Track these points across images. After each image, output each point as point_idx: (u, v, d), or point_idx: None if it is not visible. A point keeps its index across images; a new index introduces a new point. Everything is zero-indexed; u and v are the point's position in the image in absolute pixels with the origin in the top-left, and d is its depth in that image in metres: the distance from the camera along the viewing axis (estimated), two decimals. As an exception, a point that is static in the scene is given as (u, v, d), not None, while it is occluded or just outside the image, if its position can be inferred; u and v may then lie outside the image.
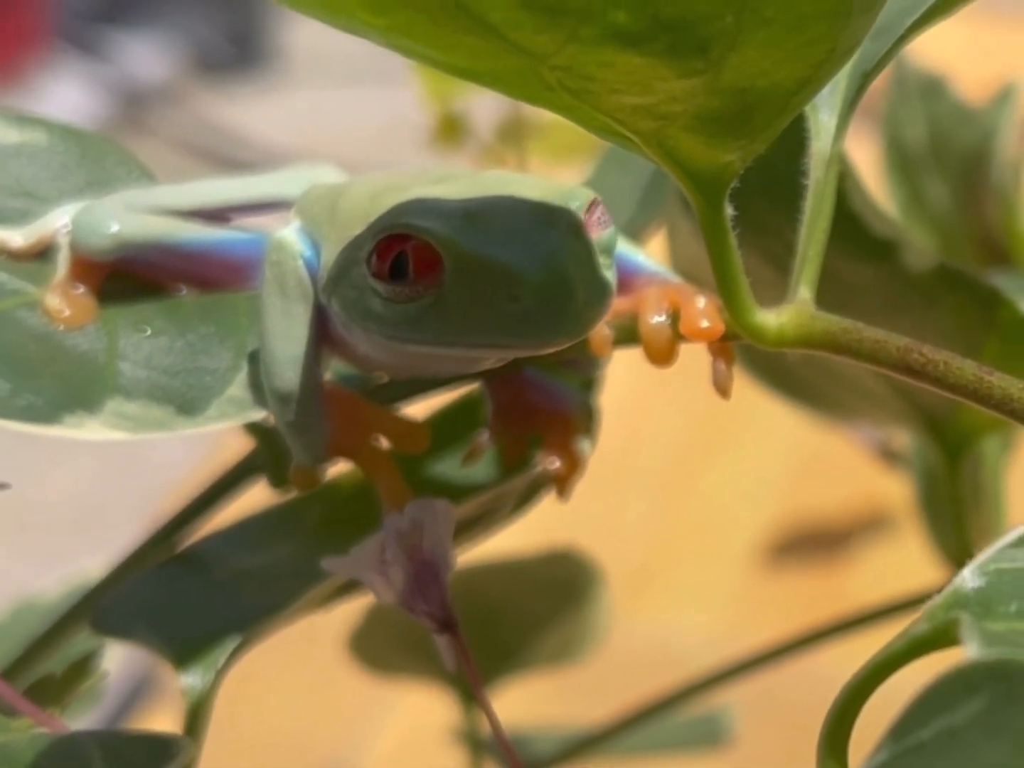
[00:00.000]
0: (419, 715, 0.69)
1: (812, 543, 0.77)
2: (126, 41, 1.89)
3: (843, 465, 0.71)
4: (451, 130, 0.46)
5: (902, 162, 0.47)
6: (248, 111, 1.84)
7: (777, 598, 0.75)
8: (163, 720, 0.72)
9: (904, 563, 0.62)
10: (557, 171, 0.47)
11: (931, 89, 0.46)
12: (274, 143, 1.75)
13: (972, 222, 0.45)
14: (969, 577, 0.21)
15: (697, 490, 0.82)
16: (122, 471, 1.25)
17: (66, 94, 1.81)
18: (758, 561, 0.77)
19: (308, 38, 1.86)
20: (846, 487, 0.80)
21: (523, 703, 0.46)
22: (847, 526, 0.78)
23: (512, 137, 0.46)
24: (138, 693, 0.74)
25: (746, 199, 0.25)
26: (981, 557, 0.21)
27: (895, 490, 0.60)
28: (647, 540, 0.79)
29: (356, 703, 0.72)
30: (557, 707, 0.59)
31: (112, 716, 0.71)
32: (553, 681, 0.49)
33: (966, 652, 0.19)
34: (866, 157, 0.49)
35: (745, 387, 0.37)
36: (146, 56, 1.88)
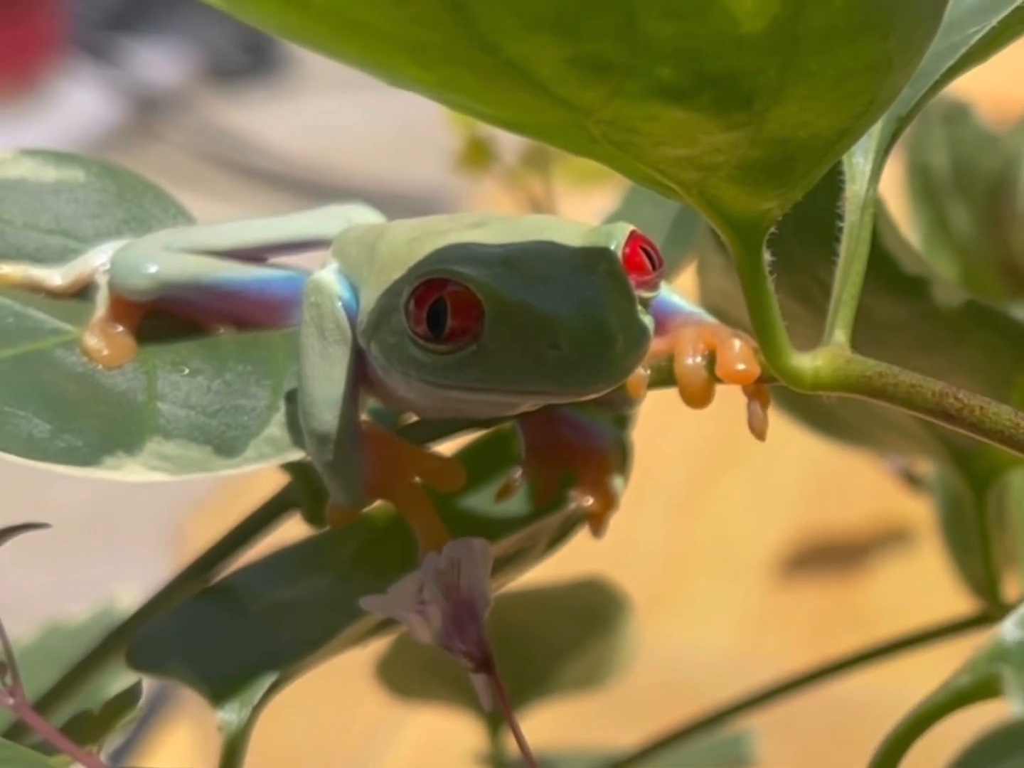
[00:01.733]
0: (436, 731, 0.69)
1: (830, 560, 0.77)
2: (140, 48, 1.89)
3: (860, 481, 0.71)
4: (478, 155, 0.46)
5: (926, 188, 0.47)
6: (261, 117, 1.84)
7: (795, 613, 0.75)
8: (180, 735, 0.72)
9: (923, 579, 0.62)
10: (582, 197, 0.47)
11: (954, 116, 0.46)
12: (287, 149, 1.76)
13: (996, 249, 0.45)
14: (1011, 629, 0.21)
15: (713, 508, 0.82)
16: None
17: (80, 100, 1.82)
18: (776, 578, 0.77)
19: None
20: (863, 504, 0.80)
21: (545, 726, 0.46)
22: (865, 542, 0.78)
23: (536, 162, 0.46)
24: (157, 705, 0.74)
25: (780, 239, 0.25)
26: (1022, 609, 0.21)
27: (913, 506, 0.60)
28: (664, 559, 0.79)
29: (372, 718, 0.72)
30: (577, 730, 0.59)
31: (131, 729, 0.71)
32: (573, 704, 0.49)
33: (1009, 707, 0.19)
34: (890, 178, 0.49)
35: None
36: (159, 63, 1.89)
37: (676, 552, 0.80)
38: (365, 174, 1.64)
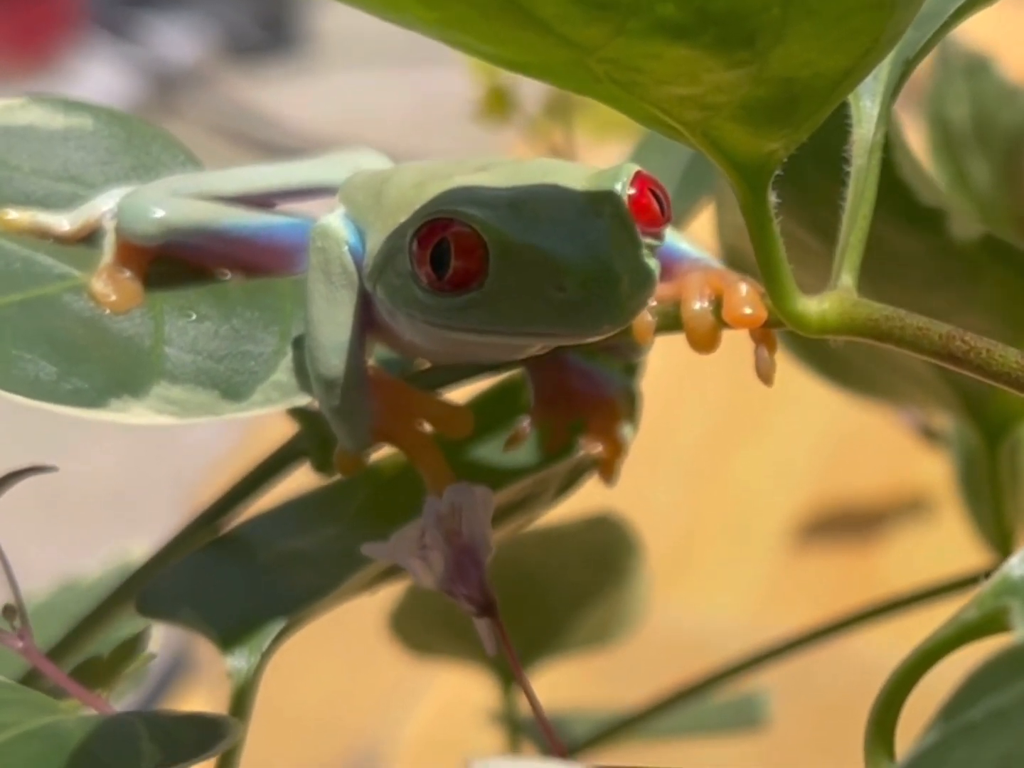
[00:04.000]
0: (453, 693, 0.69)
1: (846, 524, 0.77)
2: (158, 24, 1.89)
3: (877, 446, 0.71)
4: (499, 104, 0.46)
5: (946, 141, 0.47)
6: (279, 94, 1.84)
7: (810, 580, 0.75)
8: (198, 699, 0.72)
9: (937, 545, 0.62)
10: (603, 146, 0.47)
11: (975, 68, 0.46)
12: (305, 126, 1.76)
13: (1015, 201, 0.45)
14: (1017, 564, 0.21)
15: (729, 471, 0.82)
16: (153, 450, 1.26)
17: (99, 77, 1.82)
18: (791, 542, 0.77)
19: (339, 21, 1.86)
20: (880, 468, 0.80)
21: (558, 685, 0.47)
22: (881, 507, 0.78)
23: (558, 112, 0.46)
24: (173, 672, 0.74)
25: (798, 171, 0.25)
26: (1028, 544, 0.21)
27: (929, 471, 0.60)
28: (679, 522, 0.79)
29: (390, 680, 0.72)
30: (590, 689, 0.60)
31: (148, 695, 0.72)
32: (586, 663, 0.49)
33: (1015, 636, 0.19)
34: (910, 137, 0.49)
35: (779, 365, 0.37)
36: (178, 39, 1.89)
37: (693, 515, 0.79)
38: (384, 148, 1.64)
